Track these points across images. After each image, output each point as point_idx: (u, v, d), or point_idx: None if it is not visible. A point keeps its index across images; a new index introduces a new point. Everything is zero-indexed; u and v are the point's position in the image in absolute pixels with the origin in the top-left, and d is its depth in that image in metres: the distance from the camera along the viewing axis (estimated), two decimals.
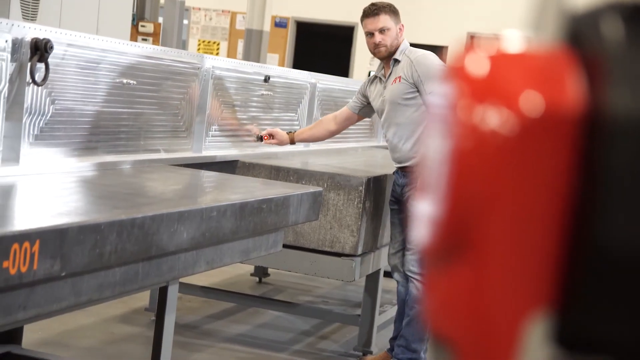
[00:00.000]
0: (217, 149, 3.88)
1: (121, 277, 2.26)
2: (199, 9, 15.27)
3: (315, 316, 4.62)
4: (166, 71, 3.44)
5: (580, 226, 0.62)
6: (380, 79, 3.98)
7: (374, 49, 3.95)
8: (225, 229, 2.58)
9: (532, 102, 0.62)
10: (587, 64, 0.63)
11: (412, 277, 3.80)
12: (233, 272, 5.55)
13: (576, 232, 0.62)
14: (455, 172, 0.64)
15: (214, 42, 15.23)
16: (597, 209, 0.61)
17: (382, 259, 4.20)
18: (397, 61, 3.90)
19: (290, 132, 4.27)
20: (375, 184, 3.92)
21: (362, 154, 5.26)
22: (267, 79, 4.29)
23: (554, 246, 0.62)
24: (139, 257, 2.25)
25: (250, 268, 5.57)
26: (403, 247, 3.89)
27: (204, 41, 15.29)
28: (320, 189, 3.29)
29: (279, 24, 14.80)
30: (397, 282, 3.98)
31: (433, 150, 0.67)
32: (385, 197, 4.05)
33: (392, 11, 3.96)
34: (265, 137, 4.19)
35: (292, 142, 4.22)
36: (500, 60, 0.65)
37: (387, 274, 4.73)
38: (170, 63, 3.47)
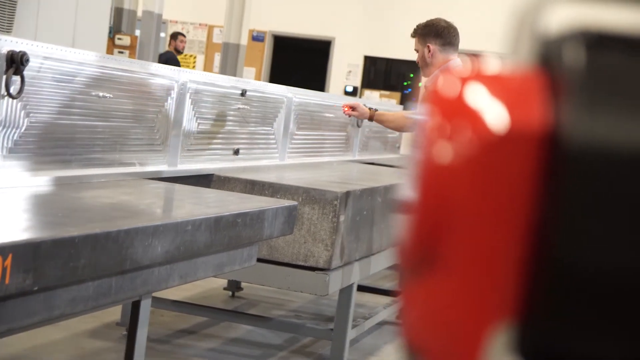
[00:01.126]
0: (193, 162, 3.89)
1: (94, 292, 2.25)
2: (176, 22, 15.26)
3: (288, 330, 4.63)
4: (142, 84, 3.45)
5: (541, 241, 0.64)
6: None
7: None
8: (199, 242, 2.58)
9: (497, 122, 0.65)
10: (554, 87, 0.66)
11: None
12: (206, 285, 5.54)
13: (538, 247, 0.65)
14: (424, 187, 0.67)
15: (191, 56, 15.21)
16: (556, 225, 0.64)
17: (355, 273, 4.21)
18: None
19: (372, 108, 4.57)
20: (351, 198, 3.94)
21: (337, 168, 5.29)
22: (243, 93, 4.31)
23: (517, 260, 0.65)
24: (113, 271, 2.25)
25: (224, 282, 5.56)
26: None
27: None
28: (295, 203, 3.30)
29: (256, 37, 14.83)
30: None
31: (410, 167, 0.69)
32: (359, 211, 4.07)
33: (422, 33, 4.11)
34: (347, 109, 4.49)
35: (371, 118, 4.52)
36: (470, 82, 0.68)
37: (361, 288, 4.74)
38: (147, 76, 3.47)
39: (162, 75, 3.59)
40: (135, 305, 2.85)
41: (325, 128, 5.45)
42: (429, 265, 0.67)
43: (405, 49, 14.24)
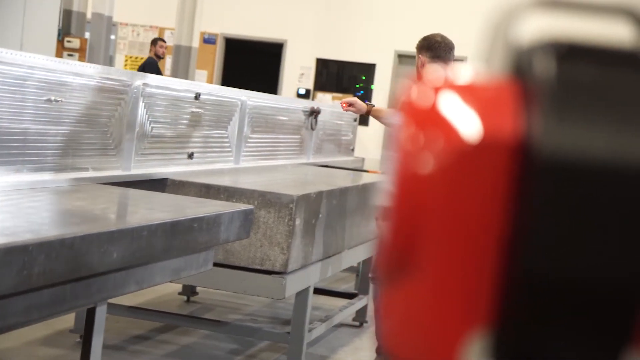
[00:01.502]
0: (147, 167, 3.85)
1: (49, 299, 2.21)
2: (126, 24, 15.11)
3: (245, 334, 4.61)
4: (95, 88, 3.40)
5: (514, 249, 0.65)
6: None
7: None
8: (156, 248, 2.56)
9: (469, 131, 0.65)
10: (527, 97, 0.67)
11: None
12: (161, 291, 5.49)
13: (511, 255, 0.65)
14: (399, 196, 0.67)
15: (142, 58, 15.07)
16: (528, 234, 0.65)
17: (312, 276, 4.22)
18: None
19: (369, 103, 4.89)
20: (306, 201, 3.94)
21: (291, 171, 5.29)
22: (197, 96, 4.28)
23: (491, 268, 0.65)
24: (68, 278, 2.22)
25: (178, 287, 5.52)
26: None
27: (131, 57, 15.12)
28: (251, 206, 3.29)
29: (208, 40, 14.76)
30: None
31: (387, 176, 0.70)
32: (315, 214, 4.07)
33: (419, 46, 4.43)
34: (345, 105, 4.85)
35: (368, 113, 4.81)
36: (443, 91, 0.68)
37: (316, 291, 4.75)
38: (100, 80, 3.43)
39: (114, 78, 3.55)
40: (91, 312, 2.81)
41: (280, 131, 5.45)
42: (405, 273, 0.67)
43: (357, 52, 14.30)
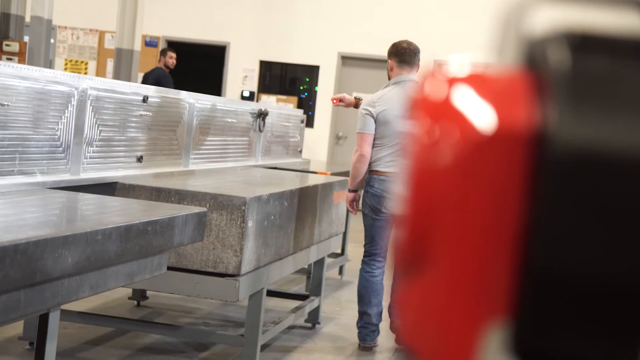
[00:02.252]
0: (96, 170, 3.80)
1: (3, 306, 2.17)
2: (66, 27, 14.86)
3: (199, 338, 4.58)
4: (42, 92, 3.35)
5: (530, 242, 0.65)
6: None
7: None
8: (110, 252, 2.52)
9: (484, 124, 0.65)
10: (541, 89, 0.67)
11: None
12: (110, 295, 5.42)
13: (527, 248, 0.65)
14: (414, 190, 0.67)
15: (82, 62, 14.84)
16: (541, 227, 0.65)
17: (265, 278, 4.21)
18: None
19: (357, 97, 5.41)
20: (258, 203, 3.93)
21: (241, 173, 5.27)
22: (145, 99, 4.24)
23: (507, 260, 0.65)
24: (22, 284, 2.17)
25: (128, 291, 5.45)
26: None
27: (71, 60, 14.88)
28: (204, 209, 3.26)
29: (150, 43, 14.60)
30: None
31: (403, 170, 0.70)
32: (267, 216, 4.07)
33: (388, 52, 4.94)
34: (335, 101, 5.33)
35: (357, 106, 5.26)
36: (457, 84, 0.68)
37: (268, 293, 4.74)
38: (46, 83, 3.37)
39: (61, 82, 3.49)
40: (44, 318, 2.76)
41: (228, 133, 5.42)
42: (421, 267, 0.67)
43: (300, 54, 14.29)
